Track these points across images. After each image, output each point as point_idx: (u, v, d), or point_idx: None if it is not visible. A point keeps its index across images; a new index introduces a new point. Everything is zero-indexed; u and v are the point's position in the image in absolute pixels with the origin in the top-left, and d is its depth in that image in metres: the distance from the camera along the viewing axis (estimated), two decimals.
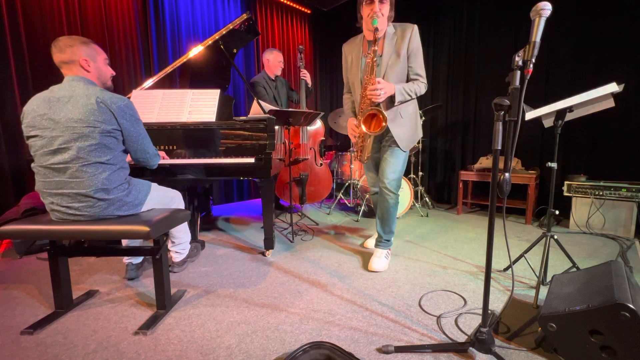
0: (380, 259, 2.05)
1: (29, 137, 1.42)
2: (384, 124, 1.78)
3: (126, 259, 1.95)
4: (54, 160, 1.39)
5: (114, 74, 1.65)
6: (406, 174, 3.61)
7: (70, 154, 1.38)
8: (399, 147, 1.97)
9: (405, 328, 1.42)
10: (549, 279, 1.72)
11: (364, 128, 1.85)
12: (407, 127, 1.99)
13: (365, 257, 2.28)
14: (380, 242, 2.14)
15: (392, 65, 1.89)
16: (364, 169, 2.28)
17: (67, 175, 1.40)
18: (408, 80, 1.94)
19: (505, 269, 2.02)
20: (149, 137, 1.64)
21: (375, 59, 1.80)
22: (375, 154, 2.14)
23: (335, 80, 5.23)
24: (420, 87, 1.92)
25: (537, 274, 1.76)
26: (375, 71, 1.82)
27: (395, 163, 1.99)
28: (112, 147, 1.46)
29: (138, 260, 1.99)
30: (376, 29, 1.74)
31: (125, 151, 1.57)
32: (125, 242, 1.82)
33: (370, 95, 1.78)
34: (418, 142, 3.57)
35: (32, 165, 1.45)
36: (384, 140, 2.05)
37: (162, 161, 1.86)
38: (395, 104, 1.87)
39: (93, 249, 1.74)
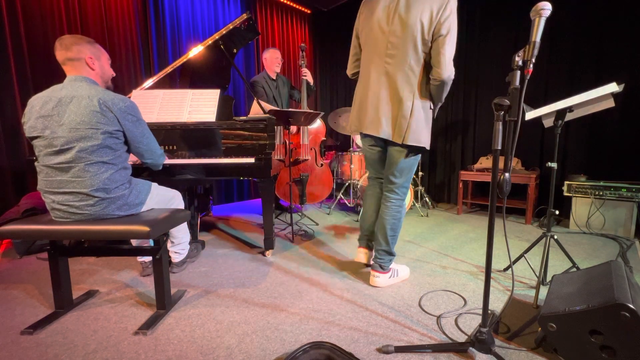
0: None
1: (32, 138, 1.43)
2: None
3: (140, 258, 2.00)
4: (57, 160, 1.40)
5: (114, 75, 1.67)
6: None
7: (72, 154, 1.39)
8: None
9: (405, 328, 1.42)
10: (549, 279, 1.72)
11: None
12: None
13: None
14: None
15: None
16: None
17: (70, 175, 1.41)
18: None
19: (505, 269, 2.02)
20: (154, 137, 1.65)
21: None
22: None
23: (335, 80, 5.22)
24: None
25: (537, 274, 1.76)
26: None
27: None
28: (114, 147, 1.47)
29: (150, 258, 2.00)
30: None
31: (129, 151, 1.58)
32: (135, 242, 1.83)
33: None
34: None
35: (36, 164, 1.45)
36: None
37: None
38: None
39: (93, 249, 1.74)
